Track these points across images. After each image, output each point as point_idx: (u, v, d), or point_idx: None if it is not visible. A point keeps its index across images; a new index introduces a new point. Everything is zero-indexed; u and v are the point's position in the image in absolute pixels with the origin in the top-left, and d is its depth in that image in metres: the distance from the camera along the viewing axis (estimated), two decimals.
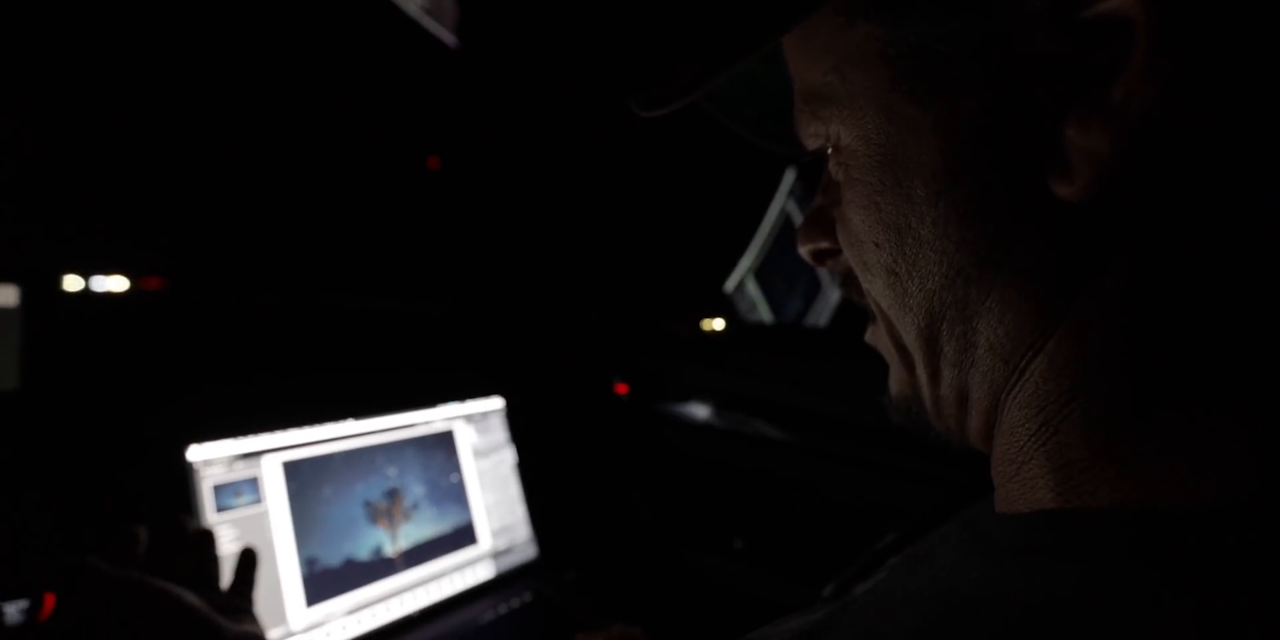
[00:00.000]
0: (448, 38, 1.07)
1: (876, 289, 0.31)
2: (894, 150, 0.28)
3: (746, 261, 1.42)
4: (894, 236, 0.28)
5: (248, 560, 0.59)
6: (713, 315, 1.23)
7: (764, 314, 1.44)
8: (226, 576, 0.58)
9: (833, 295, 1.65)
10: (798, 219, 1.57)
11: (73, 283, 0.68)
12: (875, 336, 0.35)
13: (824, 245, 0.35)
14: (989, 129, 0.25)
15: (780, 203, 1.53)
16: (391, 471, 0.81)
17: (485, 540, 0.87)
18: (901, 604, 0.27)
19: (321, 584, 0.71)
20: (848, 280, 0.34)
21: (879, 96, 0.28)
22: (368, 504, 0.78)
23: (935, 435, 0.33)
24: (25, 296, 0.59)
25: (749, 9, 0.28)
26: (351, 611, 0.73)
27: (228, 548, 0.66)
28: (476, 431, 0.91)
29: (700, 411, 1.09)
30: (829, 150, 0.32)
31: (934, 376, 0.30)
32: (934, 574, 0.29)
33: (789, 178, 1.55)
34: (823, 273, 1.64)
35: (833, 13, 0.28)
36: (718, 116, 0.42)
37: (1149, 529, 0.22)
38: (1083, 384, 0.25)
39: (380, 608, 0.75)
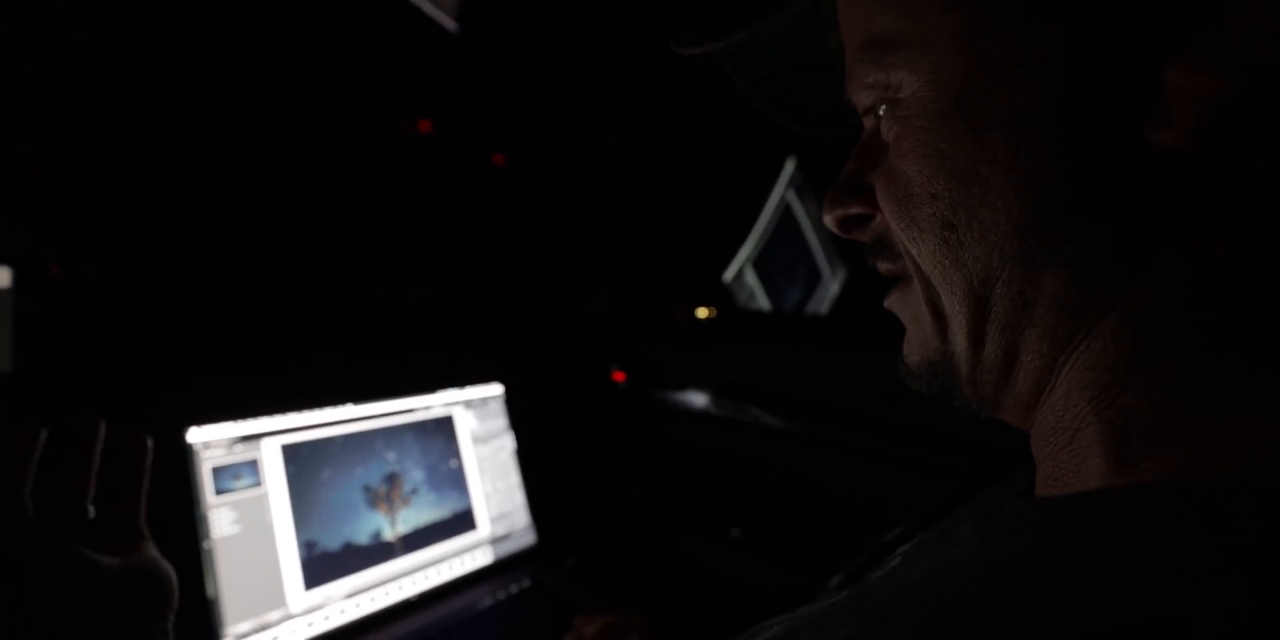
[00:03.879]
0: (448, 23, 1.06)
1: (925, 246, 0.29)
2: (969, 92, 0.26)
3: (745, 251, 1.42)
4: (956, 185, 0.27)
5: (129, 455, 0.41)
6: (704, 303, 1.23)
7: (763, 303, 1.44)
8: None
9: (833, 285, 1.65)
10: (797, 208, 1.57)
11: (68, 264, 0.68)
12: (902, 301, 0.33)
13: (856, 211, 0.33)
14: (1081, 68, 0.24)
15: (780, 192, 1.52)
16: (390, 456, 0.81)
17: (484, 526, 0.87)
18: (927, 580, 0.26)
19: (320, 567, 0.71)
20: (878, 245, 0.33)
21: (959, 34, 0.26)
22: (367, 488, 0.78)
23: (960, 403, 0.31)
24: (19, 278, 0.58)
25: None
26: (350, 595, 0.73)
27: (227, 530, 0.66)
28: (476, 418, 0.91)
29: (698, 399, 1.09)
30: (878, 109, 0.31)
31: (977, 339, 0.29)
32: (954, 552, 0.29)
33: (789, 167, 1.54)
34: (822, 263, 1.64)
35: None
36: (741, 86, 0.41)
37: (1204, 499, 0.21)
38: (1156, 343, 0.24)
39: (379, 592, 0.75)
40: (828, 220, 0.34)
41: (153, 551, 0.41)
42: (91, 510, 0.39)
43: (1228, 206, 0.23)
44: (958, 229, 0.27)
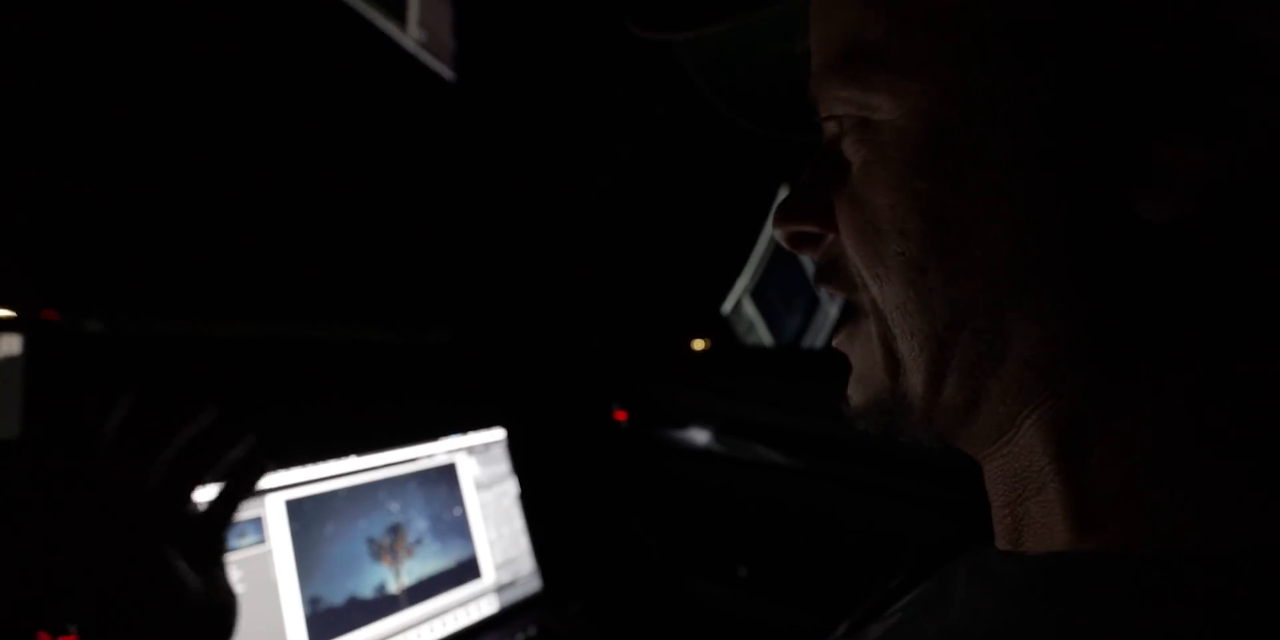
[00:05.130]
0: (445, 72, 1.08)
1: (889, 286, 0.27)
2: (953, 130, 0.25)
3: (743, 282, 1.43)
4: (930, 227, 0.25)
5: (245, 475, 0.44)
6: (700, 336, 1.24)
7: (762, 334, 1.44)
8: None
9: (832, 309, 1.66)
10: None
11: (69, 323, 0.69)
12: (851, 338, 0.31)
13: (809, 229, 0.31)
14: (1071, 123, 0.23)
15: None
16: (394, 507, 0.81)
17: (489, 574, 0.87)
18: None
19: (325, 623, 0.71)
20: (830, 269, 0.31)
21: (950, 65, 0.25)
22: (370, 541, 0.78)
23: (907, 438, 0.30)
24: (29, 344, 0.59)
25: None
26: None
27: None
28: (479, 463, 0.91)
29: (700, 436, 1.09)
30: (845, 124, 0.29)
31: (935, 383, 0.27)
32: (948, 618, 0.29)
33: (782, 196, 1.56)
34: (820, 289, 1.65)
35: None
36: (692, 74, 0.38)
37: (1171, 573, 0.21)
38: (1126, 413, 0.24)
39: None
40: (777, 234, 0.33)
41: (227, 577, 0.42)
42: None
43: (1215, 281, 0.23)
44: (927, 272, 0.26)
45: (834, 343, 0.33)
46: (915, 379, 0.28)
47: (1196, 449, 0.23)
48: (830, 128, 0.31)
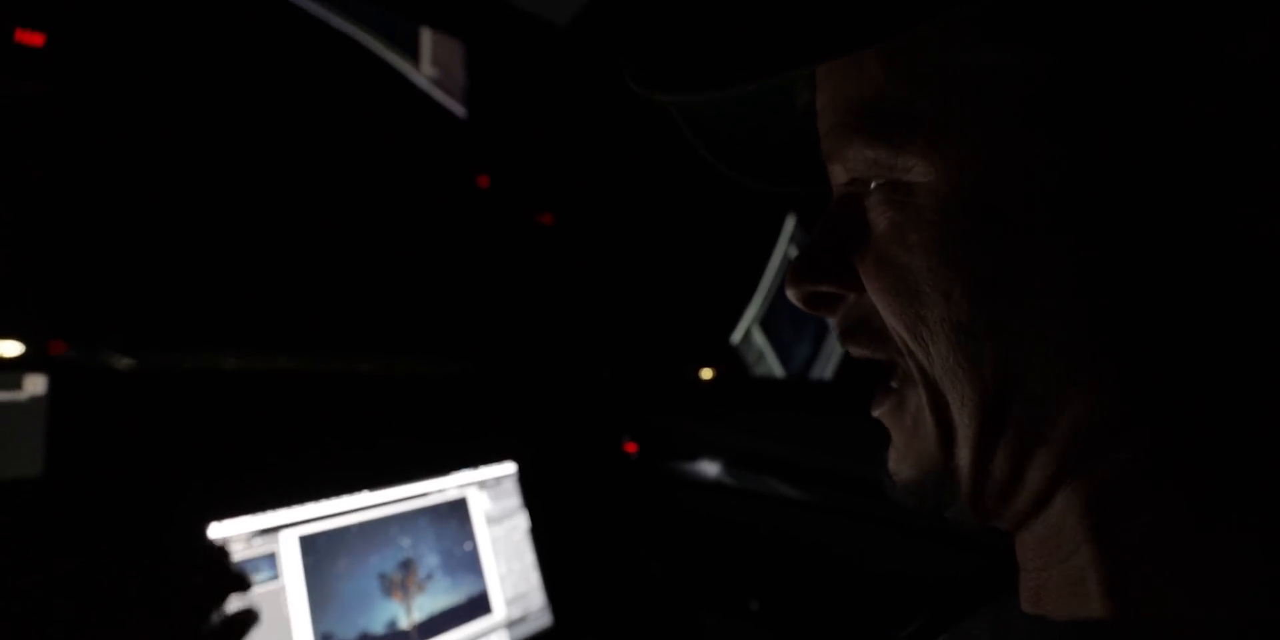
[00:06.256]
0: (457, 109, 1.11)
1: (936, 348, 0.26)
2: (995, 191, 0.24)
3: (752, 311, 1.43)
4: (977, 291, 0.25)
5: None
6: (709, 366, 1.24)
7: (771, 363, 1.44)
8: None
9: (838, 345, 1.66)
10: None
11: (90, 360, 0.70)
12: (898, 410, 0.29)
13: (827, 290, 0.30)
14: (1139, 187, 0.22)
15: (782, 250, 1.55)
16: (405, 542, 0.81)
17: (500, 609, 0.87)
18: None
19: None
20: (859, 331, 0.30)
21: (988, 126, 0.24)
22: (382, 576, 0.78)
23: (952, 515, 0.29)
24: (54, 384, 0.61)
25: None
26: None
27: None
28: (490, 498, 0.92)
29: (711, 469, 1.09)
30: (868, 184, 0.28)
31: (984, 455, 0.26)
32: None
33: (789, 225, 1.57)
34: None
35: (951, 27, 0.24)
36: (686, 132, 0.36)
37: None
38: (1169, 483, 0.24)
39: None
40: (792, 294, 0.31)
41: None
42: None
43: (1264, 352, 0.22)
44: (976, 337, 0.25)
45: (875, 413, 0.31)
46: (964, 451, 0.27)
47: (1230, 518, 0.23)
48: (842, 186, 0.30)
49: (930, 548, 0.88)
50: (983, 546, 0.83)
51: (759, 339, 1.43)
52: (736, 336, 1.38)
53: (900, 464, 0.30)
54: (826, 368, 1.58)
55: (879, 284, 0.27)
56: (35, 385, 0.60)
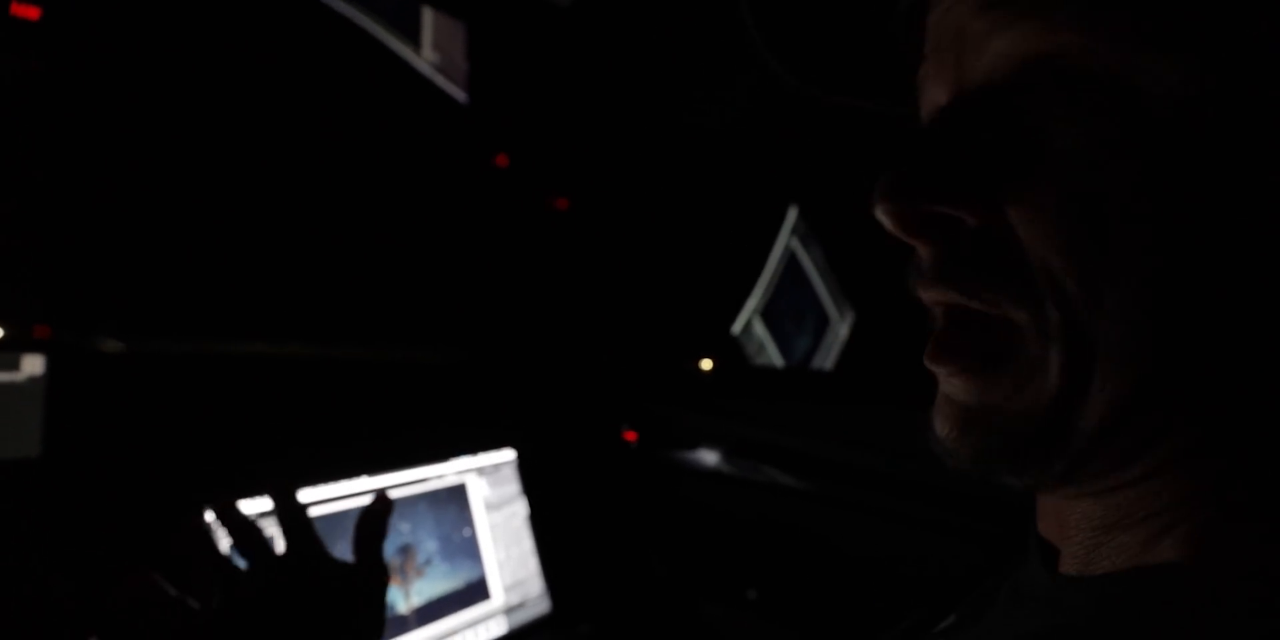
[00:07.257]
0: (458, 94, 1.10)
1: (1108, 300, 0.21)
2: (1267, 132, 0.20)
3: (752, 302, 1.43)
4: (1204, 248, 0.20)
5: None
6: (709, 356, 1.24)
7: (772, 353, 1.44)
8: None
9: (842, 328, 1.66)
10: (802, 256, 1.59)
11: (88, 343, 0.70)
12: (999, 360, 0.24)
13: (944, 210, 0.23)
14: None
15: (784, 241, 1.54)
16: (404, 527, 0.81)
17: (498, 595, 0.87)
18: None
19: None
20: (964, 270, 0.24)
21: (1229, 49, 0.20)
22: None
23: (1011, 479, 0.25)
24: (51, 365, 0.60)
25: None
26: None
27: None
28: (489, 484, 0.92)
29: (710, 458, 1.09)
30: (1053, 81, 0.22)
31: (1120, 420, 0.22)
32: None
33: (791, 215, 1.57)
34: (830, 308, 1.64)
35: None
36: (754, 36, 0.31)
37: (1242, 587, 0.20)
38: (1270, 448, 0.22)
39: None
40: (890, 213, 0.24)
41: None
42: None
43: None
44: (1178, 302, 0.21)
45: (946, 366, 0.25)
46: (1095, 415, 0.22)
47: None
48: (979, 82, 0.23)
49: (929, 538, 0.88)
50: (979, 536, 0.83)
51: (759, 330, 1.43)
52: (737, 327, 1.38)
53: (973, 422, 0.25)
54: (827, 359, 1.58)
55: (1051, 214, 0.21)
56: (33, 366, 0.59)
